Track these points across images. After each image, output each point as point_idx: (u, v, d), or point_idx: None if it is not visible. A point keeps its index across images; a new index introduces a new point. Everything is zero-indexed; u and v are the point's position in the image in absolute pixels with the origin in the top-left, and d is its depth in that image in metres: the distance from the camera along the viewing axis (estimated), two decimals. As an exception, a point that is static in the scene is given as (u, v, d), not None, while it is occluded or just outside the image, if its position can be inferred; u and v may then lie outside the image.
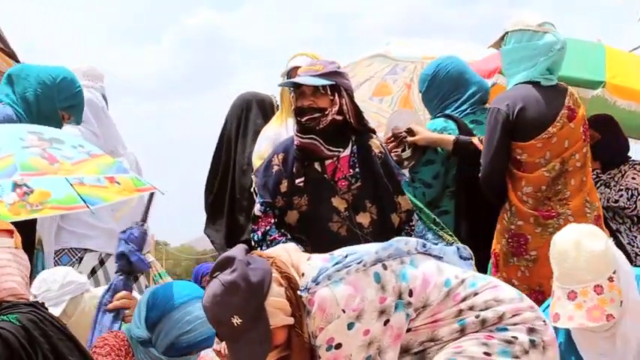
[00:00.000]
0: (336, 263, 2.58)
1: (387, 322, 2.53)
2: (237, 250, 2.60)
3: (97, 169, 3.41)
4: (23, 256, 2.80)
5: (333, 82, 3.94)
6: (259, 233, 3.99)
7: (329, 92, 3.94)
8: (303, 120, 3.95)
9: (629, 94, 5.21)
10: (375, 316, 2.51)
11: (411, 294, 2.57)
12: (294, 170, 3.99)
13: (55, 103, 4.46)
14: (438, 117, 4.66)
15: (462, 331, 2.57)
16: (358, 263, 2.57)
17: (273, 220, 3.98)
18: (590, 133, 5.35)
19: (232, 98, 5.15)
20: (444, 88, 4.69)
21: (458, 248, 2.88)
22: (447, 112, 4.67)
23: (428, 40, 7.18)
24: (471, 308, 2.60)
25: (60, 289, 3.51)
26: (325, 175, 3.99)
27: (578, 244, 2.96)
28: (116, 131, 5.17)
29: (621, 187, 5.11)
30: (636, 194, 5.08)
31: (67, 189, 3.53)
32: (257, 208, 4.03)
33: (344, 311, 2.49)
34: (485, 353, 2.52)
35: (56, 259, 4.67)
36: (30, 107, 4.40)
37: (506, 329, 2.56)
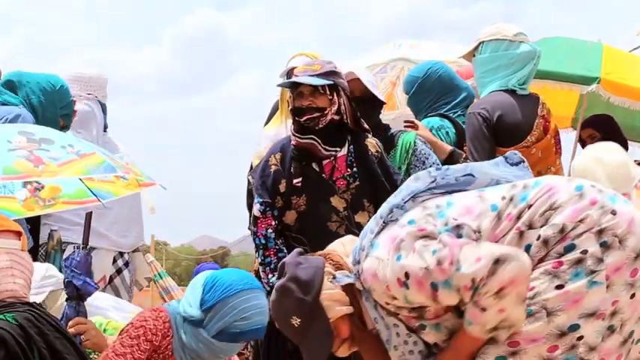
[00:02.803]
0: (364, 236, 2.59)
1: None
2: (290, 255, 2.67)
3: (84, 170, 3.43)
4: (28, 259, 2.82)
5: (332, 82, 3.95)
6: (260, 236, 3.99)
7: (328, 92, 3.95)
8: (302, 120, 3.95)
9: (624, 91, 5.25)
10: (417, 238, 2.45)
11: (456, 219, 2.50)
12: (291, 170, 4.00)
13: (56, 109, 4.61)
14: (432, 116, 4.69)
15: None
16: (385, 222, 2.55)
17: (273, 223, 3.99)
18: (590, 132, 5.40)
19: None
20: (435, 90, 4.76)
21: (506, 157, 2.75)
22: (441, 112, 4.71)
23: (435, 41, 7.25)
24: (530, 226, 2.45)
25: (42, 280, 3.53)
26: (323, 175, 3.99)
27: (598, 159, 2.90)
28: (101, 142, 5.18)
29: (621, 187, 5.13)
30: (636, 194, 5.10)
31: (77, 184, 3.59)
32: (256, 209, 4.03)
33: (388, 259, 2.47)
34: (558, 287, 2.39)
35: (41, 251, 4.70)
36: (36, 113, 4.50)
37: (573, 246, 2.40)
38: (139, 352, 3.06)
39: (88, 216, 3.70)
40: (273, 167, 4.03)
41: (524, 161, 2.75)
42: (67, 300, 3.42)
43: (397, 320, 2.54)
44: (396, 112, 6.73)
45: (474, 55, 4.48)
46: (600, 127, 5.36)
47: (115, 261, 5.08)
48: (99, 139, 4.98)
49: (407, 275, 2.42)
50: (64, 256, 3.49)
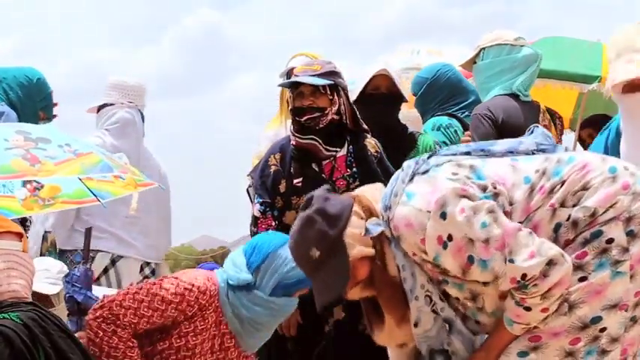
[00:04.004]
0: (394, 183, 2.55)
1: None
2: (319, 189, 2.62)
3: (80, 169, 3.44)
4: (29, 260, 2.83)
5: (332, 82, 3.95)
6: (260, 237, 3.98)
7: (328, 92, 3.95)
8: (302, 120, 3.95)
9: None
10: (460, 197, 2.42)
11: (495, 186, 2.47)
12: (291, 170, 3.99)
13: (35, 103, 4.62)
14: (439, 115, 4.70)
15: (557, 239, 2.43)
16: (414, 173, 2.52)
17: (273, 224, 3.98)
18: (589, 132, 5.42)
19: None
20: (444, 91, 4.80)
21: (532, 130, 2.72)
22: (449, 112, 4.74)
23: (453, 46, 7.24)
24: (563, 204, 2.43)
25: (58, 273, 3.55)
26: (323, 175, 3.99)
27: (629, 25, 3.00)
28: (140, 151, 5.15)
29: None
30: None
31: (77, 184, 3.60)
32: (256, 209, 4.02)
33: (429, 212, 2.42)
34: (581, 279, 2.38)
35: (70, 257, 4.72)
36: (15, 108, 4.49)
37: (600, 233, 2.39)
38: (160, 317, 3.01)
39: (88, 231, 3.70)
40: (273, 167, 4.03)
41: (537, 126, 2.74)
42: (68, 315, 3.42)
43: (421, 270, 2.51)
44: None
45: (475, 62, 4.47)
46: (600, 127, 5.37)
47: (142, 269, 5.10)
48: (138, 147, 5.00)
49: (450, 237, 2.40)
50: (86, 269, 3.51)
